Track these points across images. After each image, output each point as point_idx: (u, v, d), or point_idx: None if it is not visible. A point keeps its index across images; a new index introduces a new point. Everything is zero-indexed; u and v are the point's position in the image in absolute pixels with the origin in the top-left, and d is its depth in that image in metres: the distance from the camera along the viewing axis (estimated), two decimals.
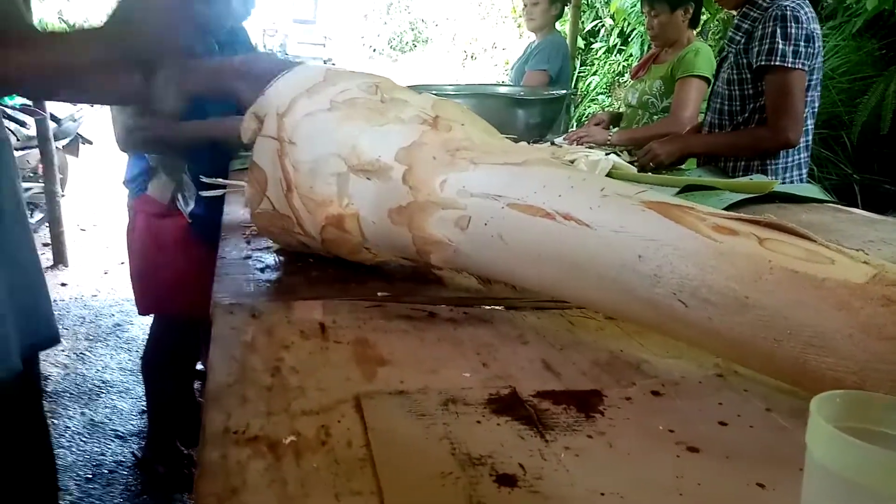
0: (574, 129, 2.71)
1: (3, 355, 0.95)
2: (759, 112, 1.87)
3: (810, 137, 1.95)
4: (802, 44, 1.75)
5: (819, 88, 1.91)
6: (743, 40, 1.86)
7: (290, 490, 0.45)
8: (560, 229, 0.65)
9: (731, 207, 1.30)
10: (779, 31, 1.75)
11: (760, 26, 1.79)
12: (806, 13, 1.77)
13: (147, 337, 2.01)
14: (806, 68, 1.77)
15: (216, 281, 0.84)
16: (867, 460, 0.33)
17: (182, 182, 1.67)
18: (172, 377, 1.94)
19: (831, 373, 0.52)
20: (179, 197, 1.68)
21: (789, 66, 1.75)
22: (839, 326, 0.51)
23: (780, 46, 1.74)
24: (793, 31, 1.74)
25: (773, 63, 1.76)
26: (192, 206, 1.68)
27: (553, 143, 2.12)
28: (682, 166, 2.08)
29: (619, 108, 2.83)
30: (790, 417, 0.58)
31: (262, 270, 0.90)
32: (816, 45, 1.79)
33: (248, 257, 0.94)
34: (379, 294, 0.83)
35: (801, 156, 1.93)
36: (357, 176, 0.81)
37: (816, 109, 1.93)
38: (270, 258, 0.94)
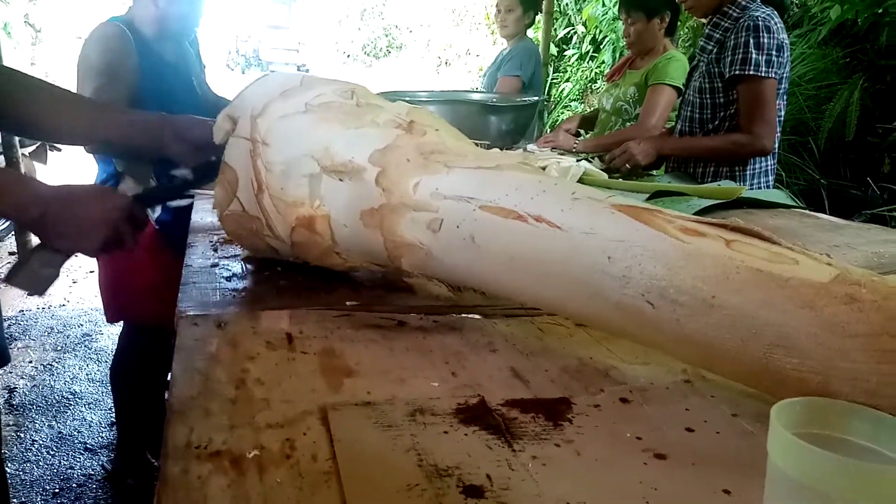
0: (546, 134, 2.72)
1: None
2: (730, 120, 1.90)
3: (778, 144, 1.98)
4: (774, 53, 1.78)
5: (786, 96, 1.94)
6: (714, 50, 1.89)
7: None
8: (531, 231, 0.66)
9: (700, 213, 1.32)
10: (752, 41, 1.78)
11: (732, 36, 1.82)
12: (776, 23, 1.80)
13: (116, 346, 1.98)
14: (777, 77, 1.80)
15: (181, 290, 0.83)
16: (824, 466, 0.33)
17: (149, 187, 1.65)
18: (141, 387, 1.91)
19: (795, 373, 0.53)
20: None
21: (762, 75, 1.78)
22: (803, 325, 0.52)
23: (754, 56, 1.77)
24: (765, 40, 1.77)
25: (746, 73, 1.78)
26: (158, 212, 1.65)
27: (526, 150, 2.12)
28: (653, 172, 2.10)
29: (591, 111, 2.84)
30: (756, 422, 0.59)
31: (228, 279, 0.88)
32: (785, 54, 1.82)
33: (215, 265, 0.93)
34: (348, 303, 0.82)
35: (769, 162, 1.96)
36: (330, 177, 0.80)
37: (783, 117, 1.96)
38: (238, 266, 0.93)
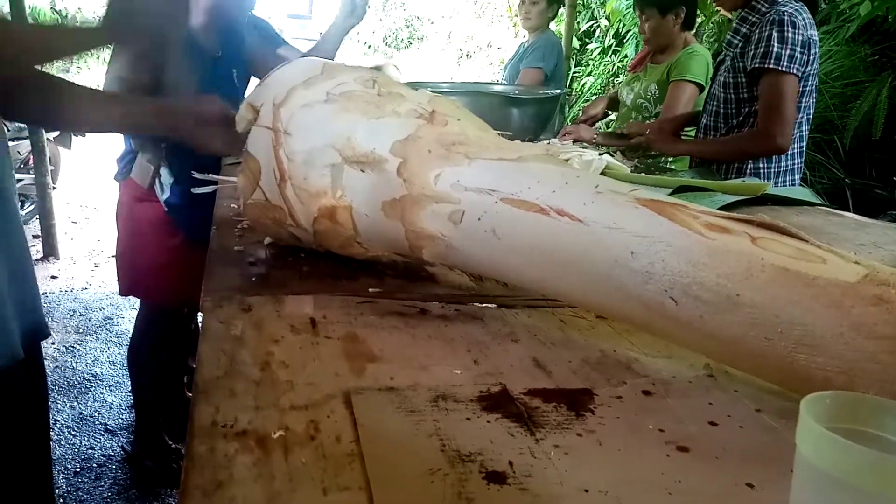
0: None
1: (6, 341, 0.94)
2: (754, 116, 1.87)
3: (805, 143, 1.96)
4: (799, 49, 1.75)
5: (815, 94, 1.91)
6: (741, 44, 1.87)
7: (277, 485, 0.45)
8: (553, 224, 0.65)
9: (724, 209, 1.30)
10: (775, 34, 1.75)
11: (758, 30, 1.80)
12: (804, 19, 1.77)
13: (132, 329, 2.00)
14: (800, 74, 1.77)
15: (206, 274, 0.84)
16: (855, 460, 0.33)
17: (159, 168, 1.66)
18: (157, 367, 1.93)
19: (821, 372, 0.52)
20: (157, 184, 1.67)
21: (783, 69, 1.75)
22: (830, 325, 0.52)
23: (776, 49, 1.75)
24: (790, 35, 1.74)
25: (767, 66, 1.76)
26: (167, 194, 1.67)
27: (549, 144, 2.11)
28: (674, 167, 2.08)
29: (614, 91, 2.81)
30: (780, 418, 0.58)
31: (252, 264, 0.89)
32: (812, 51, 1.79)
33: (240, 251, 0.94)
34: (370, 290, 0.82)
35: (796, 161, 1.94)
36: (351, 168, 0.80)
37: (811, 115, 1.93)
38: (261, 252, 0.94)
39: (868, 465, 0.32)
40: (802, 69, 1.77)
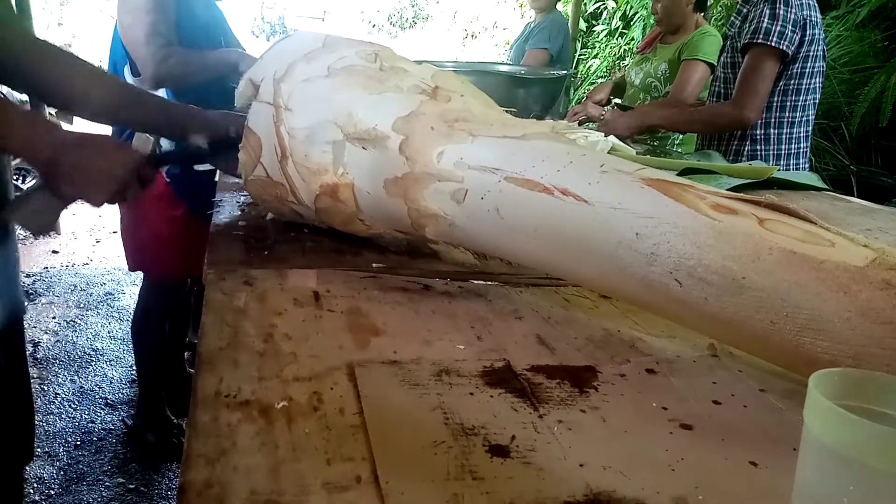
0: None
1: None
2: None
3: (811, 128, 1.95)
4: (790, 27, 1.76)
5: (821, 78, 1.90)
6: (740, 24, 1.89)
7: (280, 454, 0.45)
8: (557, 204, 0.65)
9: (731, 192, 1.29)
10: (767, 11, 1.77)
11: (754, 9, 1.82)
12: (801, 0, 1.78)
13: (135, 304, 2.01)
14: (791, 51, 1.78)
15: (209, 247, 0.83)
16: (863, 436, 0.33)
17: (160, 139, 1.65)
18: (160, 341, 1.94)
19: (826, 356, 0.52)
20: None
21: (772, 44, 1.76)
22: (837, 309, 0.51)
23: (766, 25, 1.76)
24: (781, 12, 1.76)
25: (755, 41, 1.78)
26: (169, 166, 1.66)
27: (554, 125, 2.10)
28: (680, 150, 2.07)
29: (620, 76, 2.78)
30: (784, 398, 0.58)
31: (255, 239, 0.89)
32: (811, 32, 1.79)
33: (243, 225, 0.93)
34: (374, 266, 0.82)
35: (801, 145, 1.94)
36: (353, 144, 0.79)
37: (818, 99, 1.93)
38: (264, 227, 0.93)
39: (877, 441, 0.32)
40: (795, 48, 1.78)
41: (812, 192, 1.50)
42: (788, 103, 1.87)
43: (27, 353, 1.15)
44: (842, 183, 3.36)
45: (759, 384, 0.61)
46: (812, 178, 1.60)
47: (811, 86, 1.87)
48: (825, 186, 1.56)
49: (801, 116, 1.88)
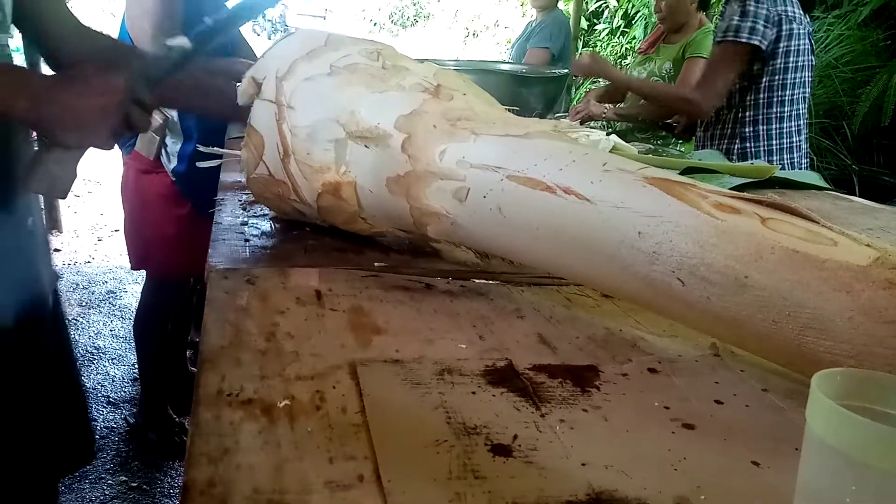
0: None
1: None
2: (740, 94, 1.92)
3: (802, 122, 1.98)
4: (762, 22, 1.79)
5: (809, 72, 1.92)
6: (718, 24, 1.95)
7: (283, 452, 0.45)
8: (560, 203, 0.65)
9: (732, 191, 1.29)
10: (738, 8, 1.80)
11: (729, 8, 1.86)
12: None
13: (138, 302, 2.01)
14: (763, 45, 1.80)
15: (211, 245, 0.83)
16: (866, 436, 0.33)
17: (165, 139, 1.65)
18: (163, 339, 1.94)
19: (829, 356, 0.52)
20: (163, 154, 1.66)
21: (742, 40, 1.79)
22: (839, 309, 0.51)
23: (734, 23, 1.80)
24: (752, 8, 1.79)
25: (725, 38, 1.82)
26: (175, 163, 1.66)
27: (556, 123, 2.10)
28: (682, 149, 2.08)
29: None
30: (786, 398, 0.58)
31: (258, 237, 0.89)
32: (787, 27, 1.82)
33: (245, 223, 0.93)
34: (376, 264, 0.82)
35: (794, 139, 1.97)
36: (355, 143, 0.80)
37: (808, 93, 1.94)
38: (267, 225, 0.94)
39: (879, 442, 0.32)
40: (771, 43, 1.81)
41: (814, 192, 1.50)
42: (775, 98, 1.90)
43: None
44: (844, 182, 3.35)
45: (762, 384, 0.61)
46: (814, 178, 1.60)
47: (798, 80, 1.89)
48: (827, 186, 1.56)
49: (791, 111, 1.91)
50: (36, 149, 0.84)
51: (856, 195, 1.63)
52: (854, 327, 0.50)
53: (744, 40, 1.78)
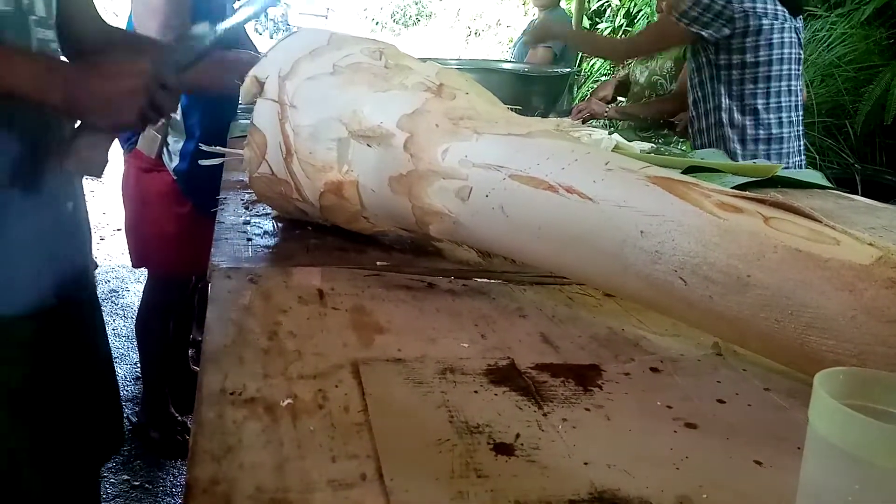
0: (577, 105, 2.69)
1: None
2: (713, 80, 1.95)
3: (792, 115, 2.00)
4: (710, 15, 1.83)
5: (797, 66, 1.94)
6: None
7: (285, 451, 0.45)
8: (562, 202, 0.65)
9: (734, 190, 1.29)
10: None
11: None
12: None
13: (140, 301, 2.01)
14: (705, 34, 1.85)
15: (214, 245, 0.84)
16: (868, 435, 0.33)
17: (167, 137, 1.65)
18: (165, 338, 1.94)
19: (831, 355, 0.52)
20: (165, 152, 1.66)
21: (683, 23, 1.86)
22: (842, 308, 0.51)
23: (684, 6, 1.87)
24: (706, 1, 1.83)
25: (670, 12, 1.92)
26: (176, 162, 1.67)
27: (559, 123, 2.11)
28: (684, 148, 2.08)
29: (625, 75, 2.79)
30: (788, 397, 0.58)
31: (260, 236, 0.89)
32: (756, 23, 1.84)
33: (247, 222, 0.94)
34: (378, 263, 0.82)
35: (783, 130, 1.99)
36: (358, 142, 0.80)
37: (795, 87, 1.95)
38: (269, 224, 0.94)
39: (882, 441, 0.32)
40: (720, 37, 1.86)
41: (816, 191, 1.50)
42: (759, 91, 1.91)
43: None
44: (846, 181, 3.35)
45: (764, 383, 0.61)
46: (816, 176, 1.59)
47: (782, 72, 1.91)
48: (830, 185, 1.56)
49: (776, 102, 1.92)
50: (70, 132, 0.89)
51: (858, 194, 1.63)
52: (857, 326, 0.50)
53: (683, 24, 1.86)
